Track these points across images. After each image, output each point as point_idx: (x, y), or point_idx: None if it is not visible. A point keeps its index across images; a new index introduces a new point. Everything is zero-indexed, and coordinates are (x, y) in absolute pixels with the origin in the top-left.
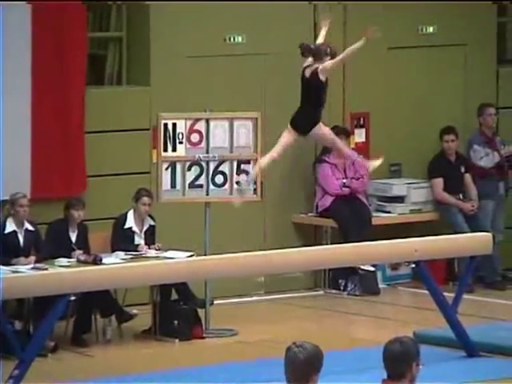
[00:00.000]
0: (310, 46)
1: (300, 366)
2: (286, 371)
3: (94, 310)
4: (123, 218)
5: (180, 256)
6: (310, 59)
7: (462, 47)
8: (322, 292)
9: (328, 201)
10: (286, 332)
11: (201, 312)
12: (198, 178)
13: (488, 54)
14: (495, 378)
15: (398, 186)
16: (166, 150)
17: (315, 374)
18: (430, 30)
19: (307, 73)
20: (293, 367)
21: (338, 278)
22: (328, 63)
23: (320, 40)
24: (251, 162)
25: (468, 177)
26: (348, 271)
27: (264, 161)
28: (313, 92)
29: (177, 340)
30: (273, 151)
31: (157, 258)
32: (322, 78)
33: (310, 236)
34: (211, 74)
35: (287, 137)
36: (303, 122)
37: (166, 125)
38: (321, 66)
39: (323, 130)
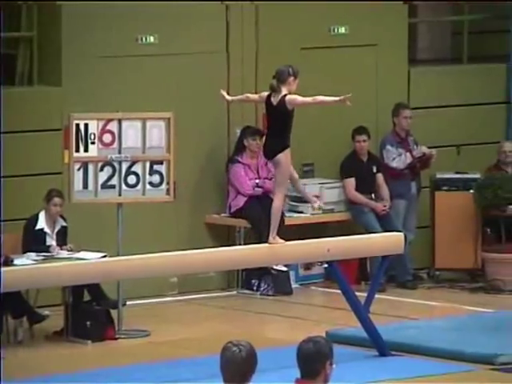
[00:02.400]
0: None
1: (240, 365)
2: (223, 371)
3: (5, 311)
4: (34, 219)
5: (92, 257)
6: (274, 82)
7: (373, 47)
8: (235, 292)
9: (241, 201)
10: (199, 332)
11: (113, 313)
12: (110, 178)
13: (399, 54)
14: (406, 376)
15: (310, 186)
16: (77, 150)
17: (253, 372)
18: (342, 30)
19: (274, 100)
20: (233, 367)
21: (251, 278)
22: (297, 98)
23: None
24: (164, 163)
25: (380, 177)
26: (261, 271)
27: None
28: (280, 120)
29: (89, 341)
30: None
31: (69, 258)
32: (289, 107)
33: (223, 236)
34: (123, 75)
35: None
36: (271, 148)
37: (77, 125)
38: (288, 98)
39: (286, 159)
